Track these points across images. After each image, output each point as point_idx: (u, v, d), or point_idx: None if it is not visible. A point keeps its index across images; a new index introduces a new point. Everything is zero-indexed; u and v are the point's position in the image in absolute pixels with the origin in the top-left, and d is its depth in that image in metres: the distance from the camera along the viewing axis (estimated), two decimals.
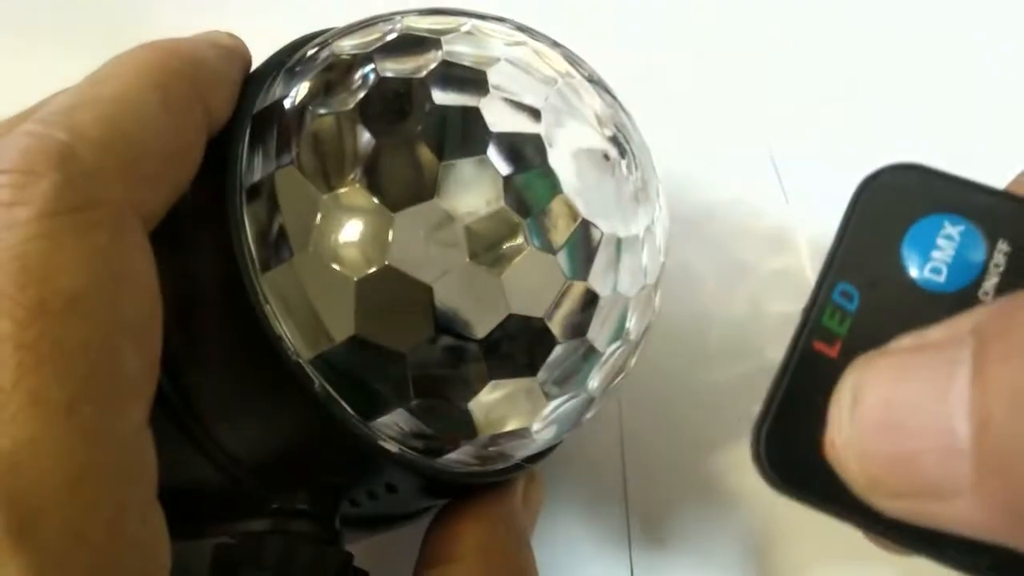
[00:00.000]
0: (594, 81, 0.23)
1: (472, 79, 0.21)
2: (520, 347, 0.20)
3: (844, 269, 0.18)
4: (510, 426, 0.22)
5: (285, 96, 0.21)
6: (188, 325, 0.20)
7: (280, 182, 0.20)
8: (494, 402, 0.21)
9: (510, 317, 0.20)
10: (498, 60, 0.21)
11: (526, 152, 0.20)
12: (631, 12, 0.35)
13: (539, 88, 0.21)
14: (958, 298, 0.17)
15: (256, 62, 0.23)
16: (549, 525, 0.30)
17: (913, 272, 0.18)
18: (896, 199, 0.18)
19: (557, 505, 0.30)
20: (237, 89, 0.22)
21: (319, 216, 0.20)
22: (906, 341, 0.15)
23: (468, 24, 0.22)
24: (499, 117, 0.20)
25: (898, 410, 0.14)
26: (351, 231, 0.19)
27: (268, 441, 0.21)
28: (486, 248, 0.20)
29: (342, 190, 0.20)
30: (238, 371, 0.20)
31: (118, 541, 0.16)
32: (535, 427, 0.22)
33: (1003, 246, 0.18)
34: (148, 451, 0.18)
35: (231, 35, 0.22)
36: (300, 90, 0.21)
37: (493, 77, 0.21)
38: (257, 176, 0.20)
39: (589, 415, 0.23)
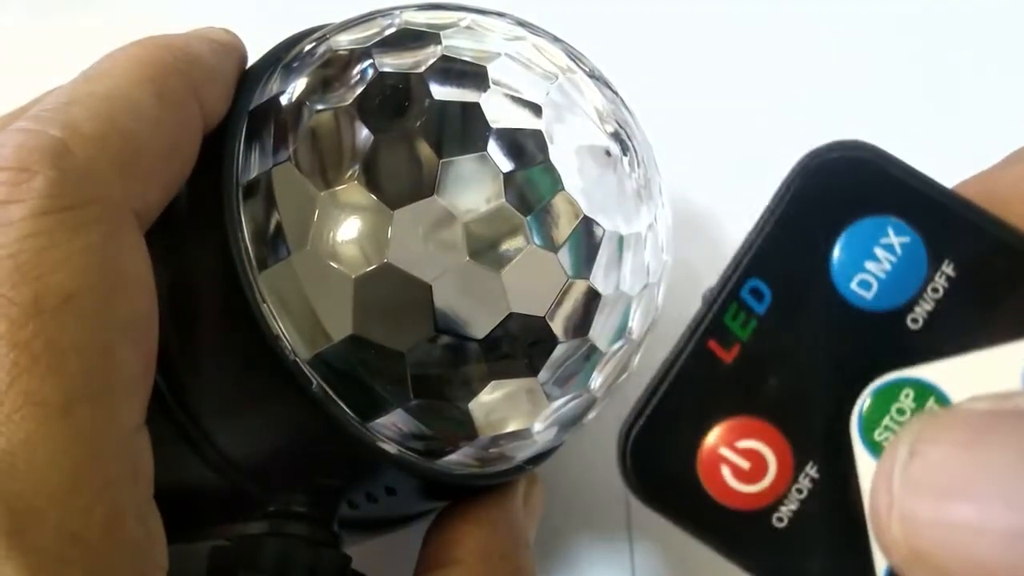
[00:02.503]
0: (596, 77, 0.23)
1: (472, 74, 0.21)
2: (521, 346, 0.20)
3: (760, 263, 0.15)
4: (511, 427, 0.21)
5: (282, 92, 0.21)
6: (184, 324, 0.20)
7: (277, 179, 0.20)
8: (494, 402, 0.20)
9: (511, 316, 0.20)
10: (498, 55, 0.21)
11: (527, 148, 0.20)
12: (635, 8, 0.35)
13: (540, 83, 0.21)
14: (883, 320, 0.15)
15: (253, 58, 0.23)
16: (550, 528, 0.29)
17: (839, 281, 0.15)
18: (838, 187, 0.15)
19: (558, 507, 0.29)
20: (233, 85, 0.21)
21: (317, 213, 0.19)
22: (983, 403, 0.13)
23: (468, 19, 0.22)
24: (499, 112, 0.20)
25: (965, 476, 0.12)
26: (349, 228, 0.19)
27: (265, 442, 0.21)
28: (486, 246, 0.19)
29: (340, 187, 0.19)
30: (235, 371, 0.20)
31: (114, 542, 0.16)
32: (536, 428, 0.22)
33: (948, 268, 0.15)
34: (144, 452, 0.18)
35: (227, 31, 0.22)
36: (297, 86, 0.21)
37: (493, 72, 0.21)
38: (254, 173, 0.20)
39: (591, 416, 0.23)
